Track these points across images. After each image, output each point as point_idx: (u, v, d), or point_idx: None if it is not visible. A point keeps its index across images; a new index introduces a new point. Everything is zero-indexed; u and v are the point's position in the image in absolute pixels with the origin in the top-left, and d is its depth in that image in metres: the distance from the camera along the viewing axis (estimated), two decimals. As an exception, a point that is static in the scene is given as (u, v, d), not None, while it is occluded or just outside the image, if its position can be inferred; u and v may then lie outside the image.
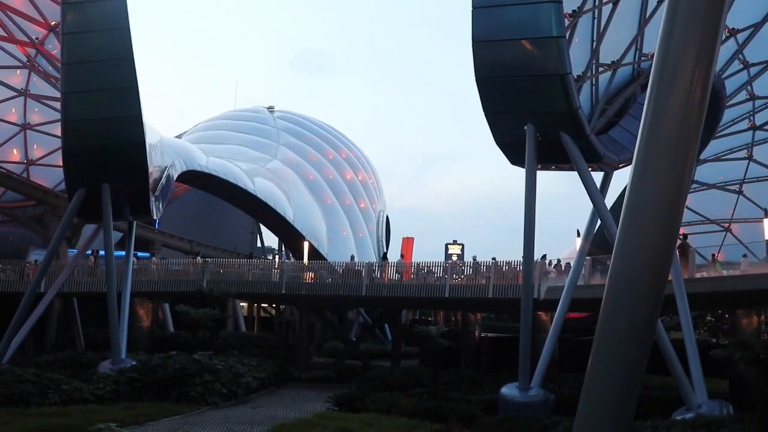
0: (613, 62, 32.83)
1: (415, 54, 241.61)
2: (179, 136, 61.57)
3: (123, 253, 37.71)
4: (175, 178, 42.51)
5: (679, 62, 9.94)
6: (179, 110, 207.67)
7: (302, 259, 49.32)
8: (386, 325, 56.96)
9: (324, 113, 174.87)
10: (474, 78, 27.12)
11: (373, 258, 57.72)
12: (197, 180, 51.63)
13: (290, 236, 57.00)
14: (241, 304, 59.16)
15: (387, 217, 70.55)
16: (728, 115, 41.89)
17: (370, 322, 55.25)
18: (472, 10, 26.82)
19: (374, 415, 25.35)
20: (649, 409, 25.68)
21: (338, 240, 58.17)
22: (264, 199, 54.11)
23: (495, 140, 28.01)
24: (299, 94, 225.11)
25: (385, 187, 71.96)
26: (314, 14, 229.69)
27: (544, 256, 36.65)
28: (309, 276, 42.73)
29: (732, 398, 28.44)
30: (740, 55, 39.68)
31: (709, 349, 25.04)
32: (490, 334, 49.26)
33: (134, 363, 30.69)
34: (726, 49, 38.74)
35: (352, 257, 48.49)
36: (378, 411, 26.21)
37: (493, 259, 37.00)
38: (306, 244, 50.59)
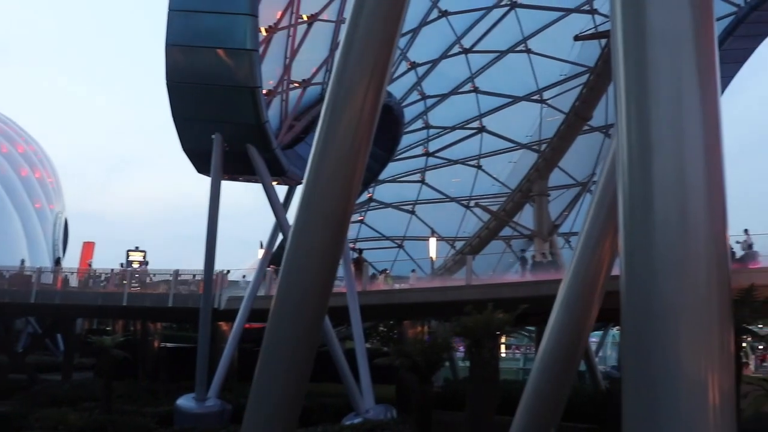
0: (303, 80, 33.98)
1: (109, 50, 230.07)
2: None
3: None
4: None
5: (352, 86, 10.59)
6: None
7: (-38, 262, 44.55)
8: (59, 335, 53.18)
9: None
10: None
11: (47, 263, 53.83)
12: None
13: (-51, 236, 51.35)
14: None
15: (66, 220, 66.27)
16: (406, 140, 45.19)
17: (41, 332, 51.24)
18: (168, 12, 26.11)
19: (37, 435, 23.58)
20: (321, 416, 26.78)
21: (7, 242, 53.45)
22: None
23: (182, 147, 27.55)
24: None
25: (71, 188, 67.94)
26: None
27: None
28: (-32, 282, 38.74)
29: (398, 402, 30.52)
30: (419, 87, 43.15)
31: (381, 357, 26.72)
32: (169, 344, 48.00)
33: None
34: (407, 80, 41.93)
35: (23, 261, 44.77)
36: (43, 429, 24.38)
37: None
38: (-32, 246, 45.80)
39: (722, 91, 38.44)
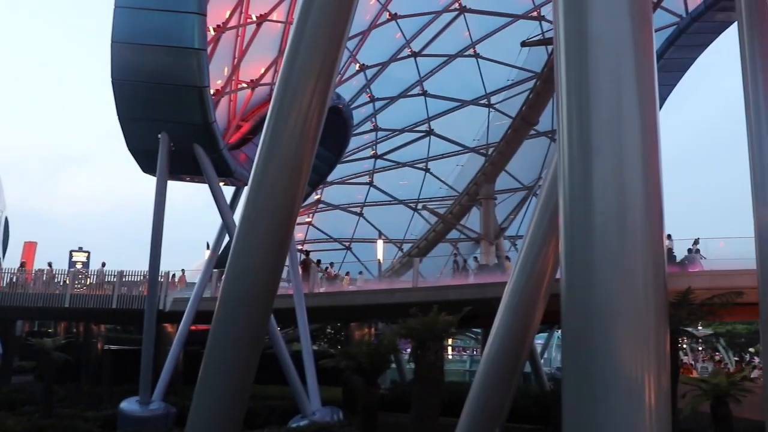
0: (252, 81, 33.75)
1: (54, 46, 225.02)
2: None
3: None
4: None
5: (299, 87, 10.56)
6: None
7: None
8: (-2, 337, 51.88)
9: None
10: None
11: (-14, 263, 52.49)
12: None
13: None
14: None
15: (6, 219, 64.69)
16: (355, 142, 45.24)
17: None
18: (114, 9, 25.71)
19: (-30, 441, 22.93)
20: (267, 419, 26.67)
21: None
22: None
23: (127, 146, 27.11)
24: None
25: (10, 186, 65.99)
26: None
27: None
28: None
29: (344, 404, 30.56)
30: (368, 89, 43.25)
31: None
32: (113, 347, 47.19)
33: None
34: (356, 82, 42.00)
35: (-40, 262, 43.64)
36: (-21, 434, 23.78)
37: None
38: None
39: (664, 100, 39.58)
